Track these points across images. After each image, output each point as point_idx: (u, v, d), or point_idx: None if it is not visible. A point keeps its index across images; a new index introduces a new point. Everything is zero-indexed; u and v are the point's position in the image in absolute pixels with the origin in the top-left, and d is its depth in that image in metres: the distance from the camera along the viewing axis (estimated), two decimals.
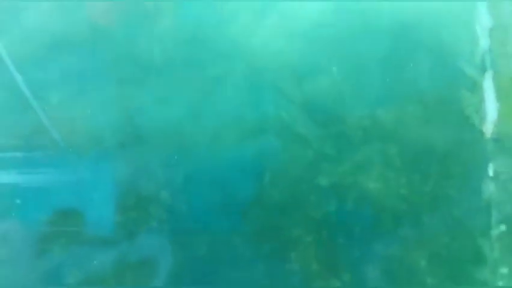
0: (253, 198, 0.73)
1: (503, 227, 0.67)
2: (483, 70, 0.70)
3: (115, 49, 0.76)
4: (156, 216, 0.72)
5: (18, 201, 0.73)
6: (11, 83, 0.76)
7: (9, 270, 0.74)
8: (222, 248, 0.71)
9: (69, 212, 0.75)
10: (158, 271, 0.73)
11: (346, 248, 0.70)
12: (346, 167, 0.71)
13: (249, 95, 0.73)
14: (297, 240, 0.71)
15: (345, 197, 0.71)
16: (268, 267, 0.71)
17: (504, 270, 0.66)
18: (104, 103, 0.75)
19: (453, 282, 0.66)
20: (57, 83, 0.76)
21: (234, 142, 0.73)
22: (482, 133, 0.69)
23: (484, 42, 0.70)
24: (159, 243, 0.73)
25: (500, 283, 0.66)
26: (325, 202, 0.71)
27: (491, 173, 0.68)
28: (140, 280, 0.71)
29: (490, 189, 0.67)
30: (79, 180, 0.74)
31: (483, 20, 0.70)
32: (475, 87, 0.69)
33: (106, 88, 0.75)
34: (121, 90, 0.75)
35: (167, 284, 0.71)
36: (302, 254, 0.71)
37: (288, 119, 0.72)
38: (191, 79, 0.74)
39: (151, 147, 0.73)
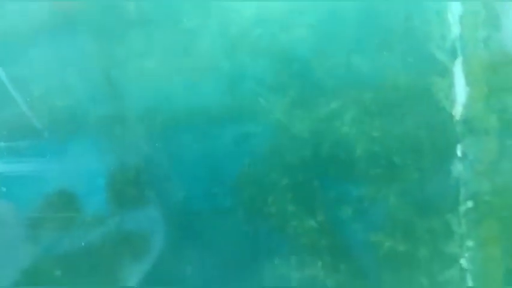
0: (230, 146, 0.79)
1: (470, 203, 0.72)
2: (453, 56, 0.74)
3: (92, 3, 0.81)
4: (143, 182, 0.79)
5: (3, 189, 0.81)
6: None
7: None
8: (202, 197, 0.78)
9: (60, 195, 0.80)
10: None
11: (321, 190, 0.77)
12: (321, 114, 0.76)
13: (225, 46, 0.78)
14: (274, 184, 0.77)
15: (321, 142, 0.77)
16: (247, 212, 0.78)
17: (470, 243, 0.72)
18: (80, 59, 0.80)
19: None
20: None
21: (210, 92, 0.78)
22: (451, 116, 0.73)
23: (454, 29, 0.74)
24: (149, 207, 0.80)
25: (466, 255, 0.72)
26: (301, 147, 0.77)
27: (459, 153, 0.73)
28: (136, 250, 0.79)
29: (458, 168, 0.73)
30: (65, 163, 0.80)
31: (454, 8, 0.74)
32: (446, 73, 0.74)
33: (82, 43, 0.81)
34: (98, 45, 0.80)
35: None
36: (279, 198, 0.77)
37: (264, 68, 0.77)
38: (167, 32, 0.79)
39: (130, 101, 0.79)
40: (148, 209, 0.79)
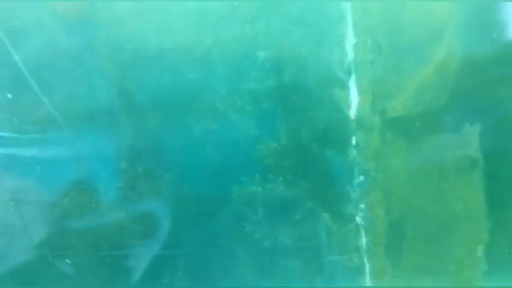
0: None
1: (361, 178, 1.01)
2: (349, 74, 1.00)
3: None
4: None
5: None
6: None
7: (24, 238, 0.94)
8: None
9: (76, 184, 0.94)
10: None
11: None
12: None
13: None
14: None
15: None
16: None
17: (362, 205, 1.01)
18: None
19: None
20: None
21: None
22: (348, 116, 1.01)
23: (350, 55, 1.02)
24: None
25: (360, 214, 1.00)
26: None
27: (354, 142, 1.01)
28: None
29: (353, 152, 1.01)
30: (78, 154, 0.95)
31: (349, 39, 1.02)
32: (344, 86, 1.00)
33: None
34: None
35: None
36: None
37: None
38: None
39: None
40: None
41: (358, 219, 1.00)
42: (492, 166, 0.97)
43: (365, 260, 0.99)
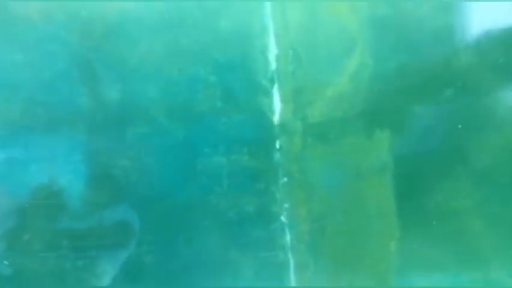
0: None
1: (285, 179, 1.08)
2: (273, 83, 1.09)
3: None
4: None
5: None
6: None
7: None
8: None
9: (44, 187, 0.95)
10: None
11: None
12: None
13: None
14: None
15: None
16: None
17: (286, 205, 1.08)
18: None
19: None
20: None
21: None
22: (273, 122, 1.09)
23: (273, 65, 1.10)
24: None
25: (284, 213, 1.07)
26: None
27: (278, 146, 1.09)
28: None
29: (277, 156, 1.08)
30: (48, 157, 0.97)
31: (272, 50, 1.10)
32: (268, 94, 1.09)
33: None
34: None
35: None
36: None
37: None
38: None
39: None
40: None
41: (283, 218, 1.06)
42: (401, 168, 1.07)
43: (289, 256, 1.05)
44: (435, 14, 1.07)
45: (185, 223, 1.04)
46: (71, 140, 1.00)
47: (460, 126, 1.05)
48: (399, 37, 1.07)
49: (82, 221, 0.99)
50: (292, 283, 1.06)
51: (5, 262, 0.96)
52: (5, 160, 0.98)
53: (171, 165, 1.04)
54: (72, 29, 0.99)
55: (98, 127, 1.01)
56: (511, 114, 1.06)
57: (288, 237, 1.06)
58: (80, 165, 1.00)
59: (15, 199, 0.97)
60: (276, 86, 1.08)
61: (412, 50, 1.07)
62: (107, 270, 0.98)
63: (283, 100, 1.08)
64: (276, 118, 1.08)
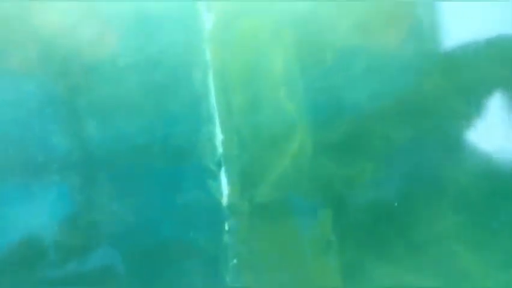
0: None
1: (235, 260, 1.12)
2: (220, 166, 1.14)
3: None
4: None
5: None
6: None
7: None
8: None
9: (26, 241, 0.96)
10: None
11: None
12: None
13: None
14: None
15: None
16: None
17: (234, 261, 1.11)
18: None
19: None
20: None
21: None
22: (221, 203, 1.14)
23: (219, 149, 1.16)
24: None
25: None
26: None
27: (227, 227, 1.13)
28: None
29: (226, 237, 1.12)
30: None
31: (218, 136, 1.16)
32: (216, 177, 1.14)
33: None
34: None
35: None
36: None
37: None
38: None
39: None
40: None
41: None
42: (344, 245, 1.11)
43: None
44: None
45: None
46: (46, 181, 1.03)
47: (396, 204, 1.10)
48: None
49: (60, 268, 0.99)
50: None
51: None
52: None
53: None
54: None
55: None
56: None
57: None
58: (56, 207, 1.02)
59: None
60: (223, 170, 1.13)
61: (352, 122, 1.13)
62: None
63: (230, 182, 1.14)
64: (224, 200, 1.13)
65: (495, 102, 1.09)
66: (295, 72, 1.14)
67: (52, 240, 1.02)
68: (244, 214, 1.13)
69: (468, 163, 1.09)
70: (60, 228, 1.01)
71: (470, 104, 1.10)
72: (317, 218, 1.12)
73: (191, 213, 1.12)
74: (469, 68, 1.11)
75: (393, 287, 1.09)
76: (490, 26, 1.11)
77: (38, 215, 1.01)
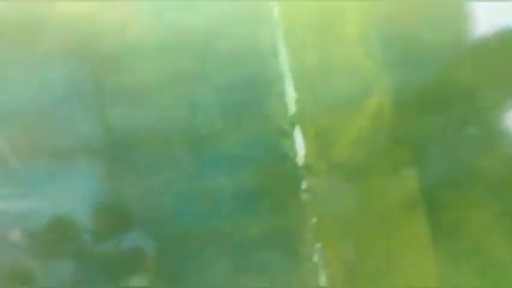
0: None
1: (314, 219, 1.05)
2: (294, 125, 1.11)
3: None
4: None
5: None
6: None
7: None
8: None
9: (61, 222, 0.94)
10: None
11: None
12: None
13: None
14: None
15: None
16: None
17: (318, 245, 1.04)
18: None
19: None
20: None
21: None
22: (296, 163, 1.09)
23: (292, 108, 1.12)
24: None
25: (317, 254, 1.03)
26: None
27: (303, 186, 1.07)
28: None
29: (304, 196, 1.06)
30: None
31: (290, 94, 1.12)
32: (289, 136, 1.09)
33: None
34: None
35: None
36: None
37: None
38: None
39: None
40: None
41: (315, 258, 1.02)
42: (431, 203, 1.06)
43: None
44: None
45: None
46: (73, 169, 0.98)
47: None
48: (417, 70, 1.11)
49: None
50: None
51: None
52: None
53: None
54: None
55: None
56: None
57: (322, 279, 1.02)
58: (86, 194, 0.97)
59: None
60: (297, 129, 1.09)
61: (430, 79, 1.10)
62: None
63: (305, 142, 1.09)
64: (299, 159, 1.08)
65: None
66: (371, 31, 1.13)
67: (82, 223, 0.97)
68: (321, 173, 1.08)
69: None
70: (90, 212, 0.97)
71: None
72: (400, 176, 1.07)
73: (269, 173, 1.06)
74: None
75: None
76: None
77: (67, 199, 0.96)
